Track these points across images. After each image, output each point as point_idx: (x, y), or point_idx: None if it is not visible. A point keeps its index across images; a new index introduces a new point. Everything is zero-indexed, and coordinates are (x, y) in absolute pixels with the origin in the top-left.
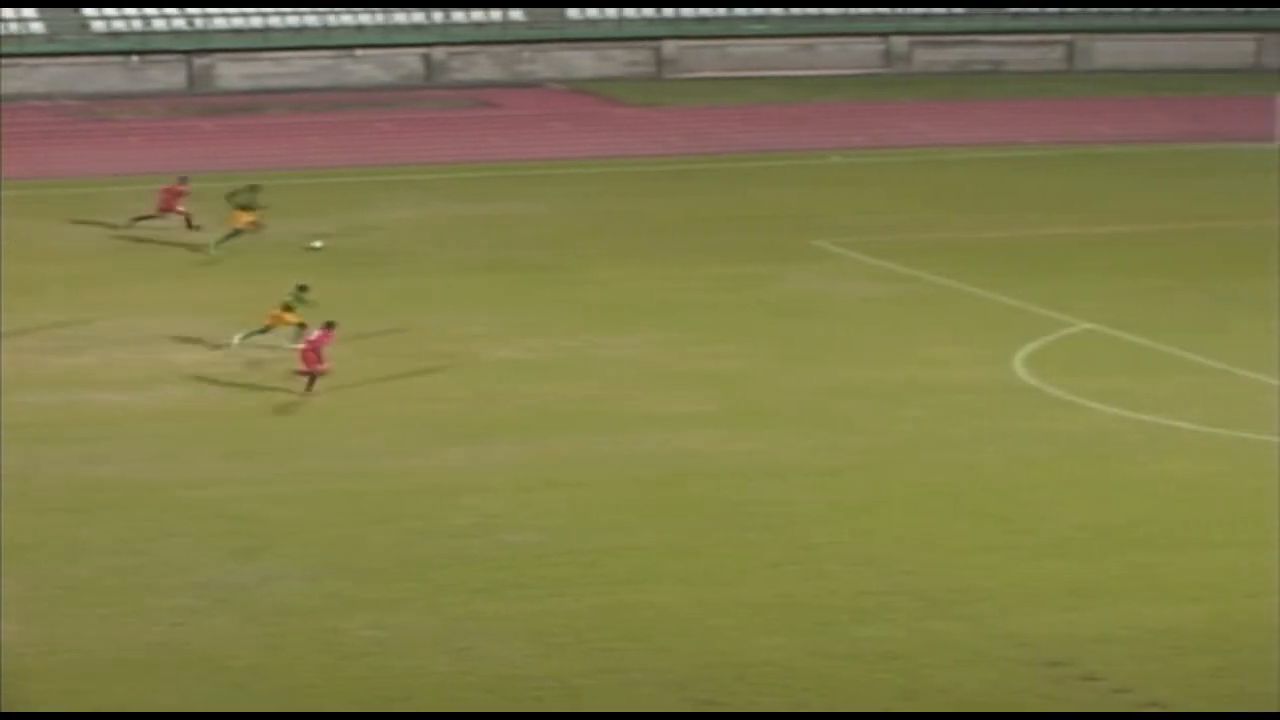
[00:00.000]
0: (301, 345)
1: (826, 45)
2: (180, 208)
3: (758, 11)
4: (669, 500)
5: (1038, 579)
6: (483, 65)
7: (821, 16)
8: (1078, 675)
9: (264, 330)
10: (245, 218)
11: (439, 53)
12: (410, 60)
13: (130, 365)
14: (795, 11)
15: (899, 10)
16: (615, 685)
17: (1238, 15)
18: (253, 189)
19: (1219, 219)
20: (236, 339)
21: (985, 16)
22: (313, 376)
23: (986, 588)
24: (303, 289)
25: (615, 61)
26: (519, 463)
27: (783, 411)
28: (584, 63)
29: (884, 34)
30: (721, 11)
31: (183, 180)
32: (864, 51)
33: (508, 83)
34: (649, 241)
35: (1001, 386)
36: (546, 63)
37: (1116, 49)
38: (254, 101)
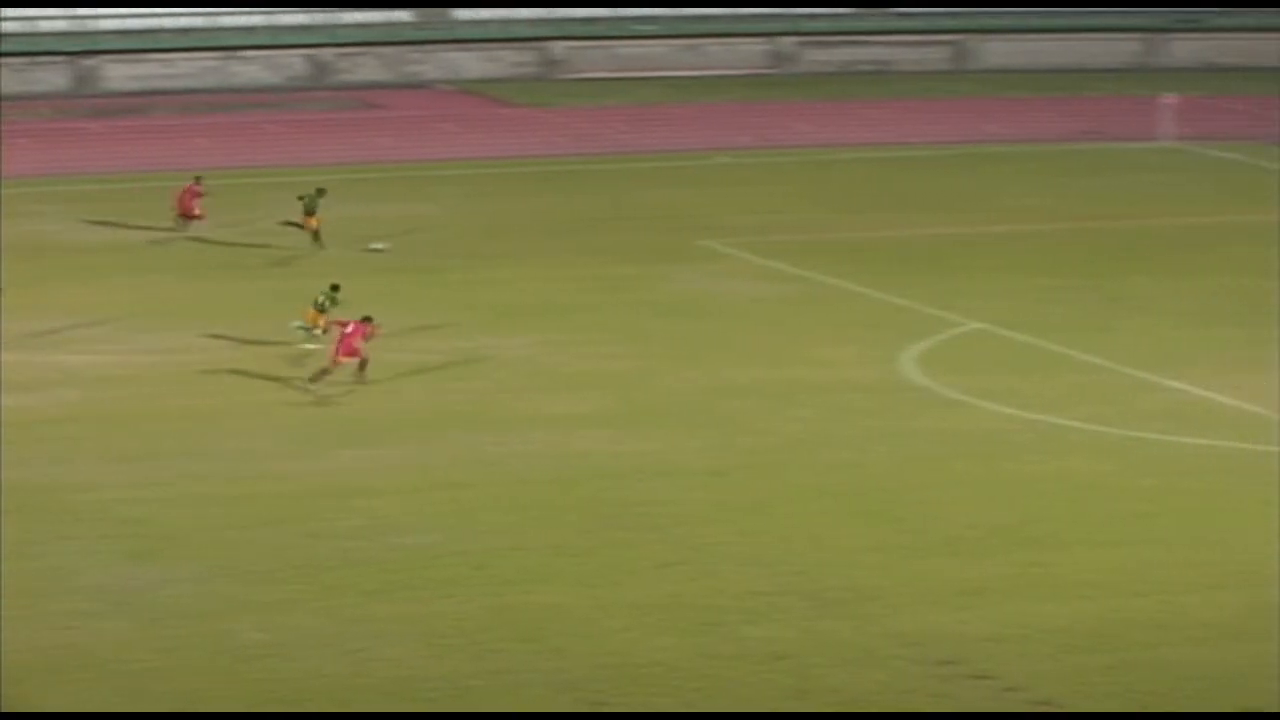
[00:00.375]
0: (317, 346)
1: (713, 46)
2: (197, 210)
3: (645, 12)
4: (559, 501)
5: (928, 578)
6: (370, 66)
7: (708, 17)
8: (968, 674)
9: (322, 331)
10: (313, 221)
11: (326, 54)
12: (297, 61)
13: (23, 368)
14: (682, 12)
15: (785, 11)
16: (506, 686)
17: (1124, 15)
18: (320, 192)
19: (1106, 218)
20: (307, 346)
21: (872, 17)
22: (361, 362)
23: (876, 587)
24: (335, 289)
25: (503, 62)
26: (410, 464)
27: (672, 412)
28: (471, 64)
29: (771, 34)
30: (609, 12)
31: (198, 180)
32: (751, 52)
33: (395, 84)
34: (539, 243)
35: (891, 386)
36: (434, 64)
37: (1004, 49)
38: (140, 103)
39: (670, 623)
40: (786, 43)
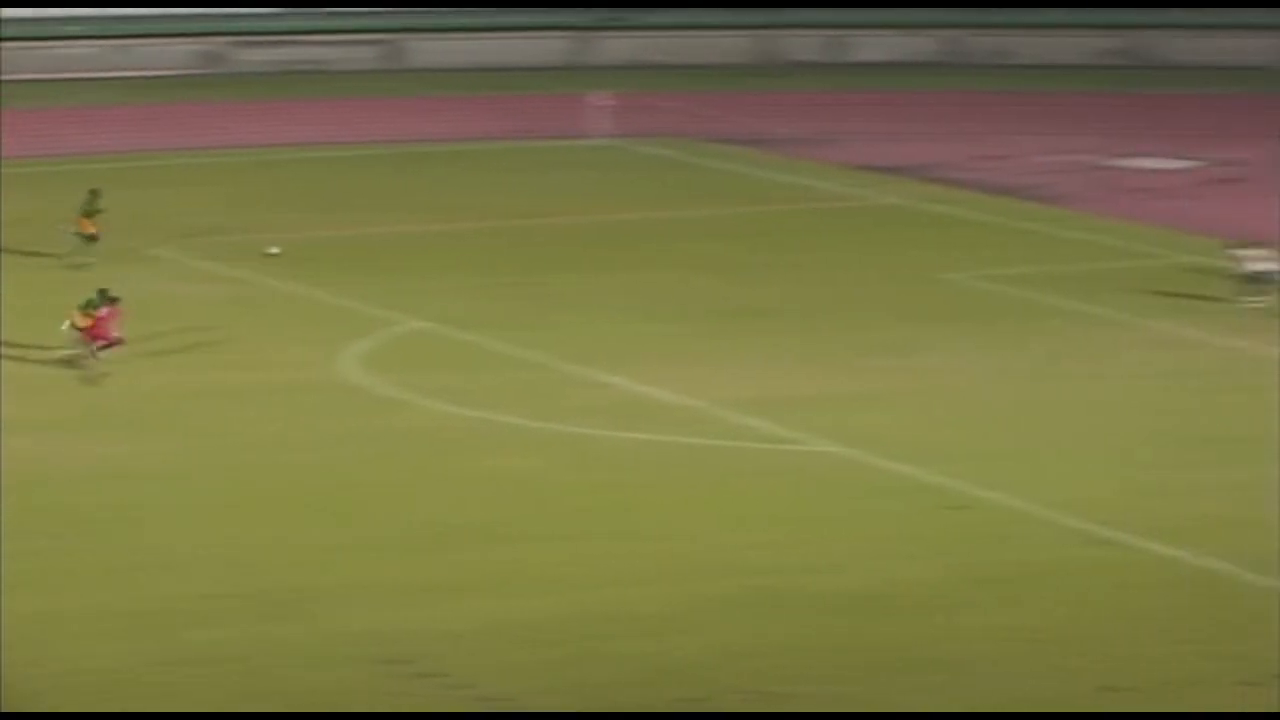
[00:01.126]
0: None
1: (144, 46)
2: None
3: (75, 12)
4: (10, 507)
5: (376, 577)
6: None
7: (140, 17)
8: (418, 672)
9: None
10: (90, 226)
11: None
12: None
13: None
14: (114, 12)
15: (216, 11)
16: None
17: (553, 14)
18: (94, 193)
19: (542, 215)
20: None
21: (304, 16)
22: (108, 344)
23: (325, 587)
24: (103, 292)
25: None
26: None
27: (124, 415)
28: None
29: (201, 35)
30: (38, 12)
31: None
32: (184, 52)
33: None
34: None
35: (336, 386)
36: None
37: (435, 48)
38: None
39: (122, 628)
40: (219, 43)
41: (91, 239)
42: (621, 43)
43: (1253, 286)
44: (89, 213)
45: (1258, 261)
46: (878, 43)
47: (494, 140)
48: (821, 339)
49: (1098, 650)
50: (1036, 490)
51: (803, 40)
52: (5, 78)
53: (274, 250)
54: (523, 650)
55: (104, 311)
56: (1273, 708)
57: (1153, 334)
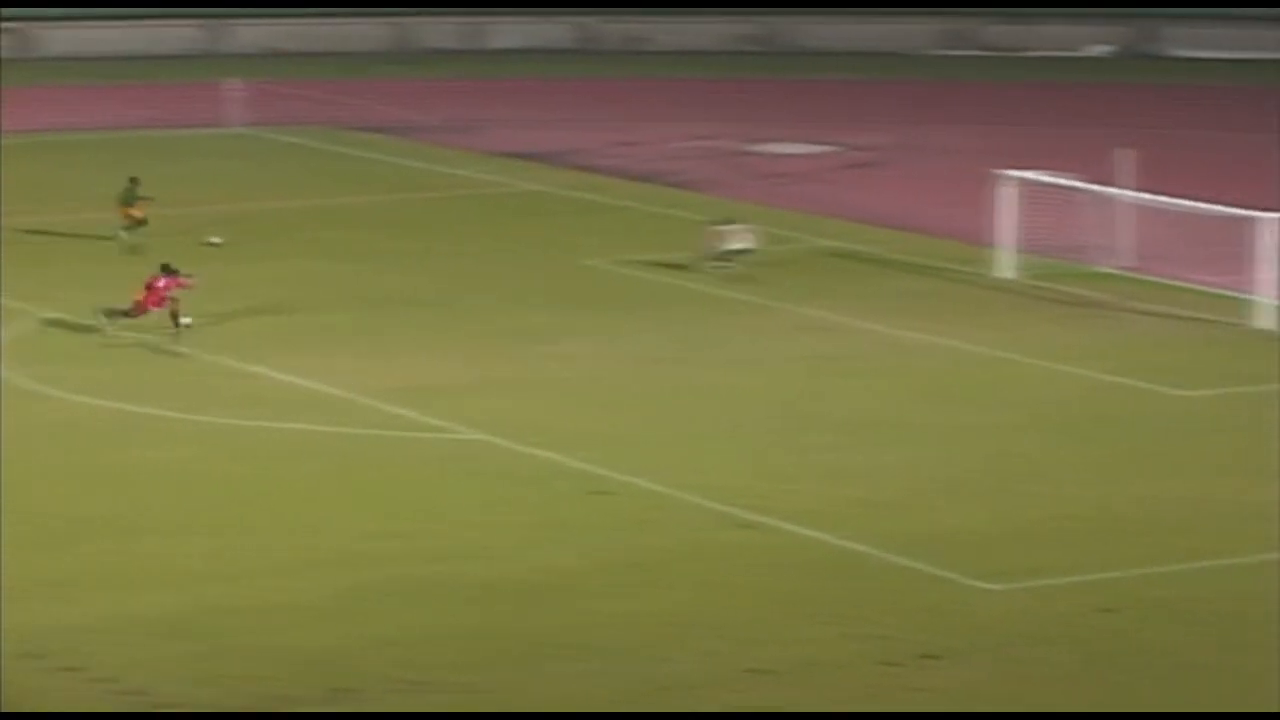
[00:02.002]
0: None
1: None
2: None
3: None
4: None
5: (13, 571)
6: None
7: None
8: (58, 667)
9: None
10: (135, 212)
11: None
12: None
13: None
14: None
15: None
16: None
17: (182, 9)
18: (133, 181)
19: (179, 205)
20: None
21: None
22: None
23: None
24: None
25: None
26: None
27: None
28: None
29: None
30: None
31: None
32: None
33: None
34: None
35: None
36: None
37: (67, 36)
38: None
39: None
40: None
41: (139, 224)
42: (255, 30)
43: (721, 263)
44: (129, 200)
45: (735, 239)
46: (513, 30)
47: (127, 129)
48: (464, 326)
49: (742, 633)
50: (678, 475)
51: (439, 27)
52: None
53: (215, 240)
54: (163, 643)
55: (164, 280)
56: (913, 687)
57: (793, 318)
